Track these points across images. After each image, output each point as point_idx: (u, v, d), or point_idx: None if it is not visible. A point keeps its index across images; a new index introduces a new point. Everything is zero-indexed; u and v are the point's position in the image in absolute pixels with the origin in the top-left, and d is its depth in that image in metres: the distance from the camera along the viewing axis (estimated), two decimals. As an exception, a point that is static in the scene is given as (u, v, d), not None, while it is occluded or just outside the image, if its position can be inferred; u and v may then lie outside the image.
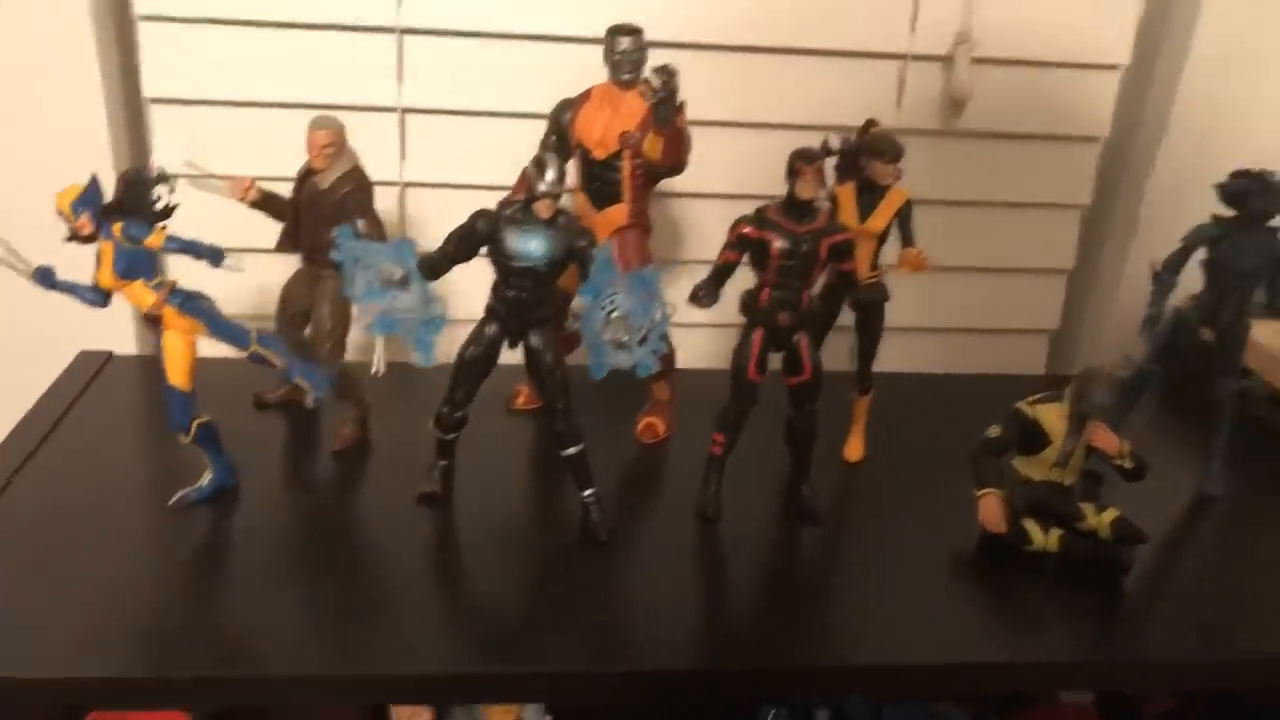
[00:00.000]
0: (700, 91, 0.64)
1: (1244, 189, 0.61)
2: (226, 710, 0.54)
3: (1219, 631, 0.57)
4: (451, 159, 0.75)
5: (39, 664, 0.47)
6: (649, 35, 0.61)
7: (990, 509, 0.58)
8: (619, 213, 0.63)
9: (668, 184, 0.67)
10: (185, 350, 0.54)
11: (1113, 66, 0.82)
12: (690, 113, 0.61)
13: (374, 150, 0.64)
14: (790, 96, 0.78)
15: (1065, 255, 0.88)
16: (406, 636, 0.50)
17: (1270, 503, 0.69)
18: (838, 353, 0.66)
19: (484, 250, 0.54)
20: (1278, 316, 0.63)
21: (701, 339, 0.81)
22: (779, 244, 0.56)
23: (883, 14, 0.78)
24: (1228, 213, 0.62)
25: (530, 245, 0.53)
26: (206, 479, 0.58)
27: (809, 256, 0.56)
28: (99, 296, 0.54)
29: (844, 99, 0.78)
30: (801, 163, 0.54)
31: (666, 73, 0.55)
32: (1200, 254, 0.64)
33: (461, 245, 0.53)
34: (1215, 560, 0.63)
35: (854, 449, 0.69)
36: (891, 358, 0.72)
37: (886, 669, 0.53)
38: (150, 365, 0.74)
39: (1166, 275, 0.65)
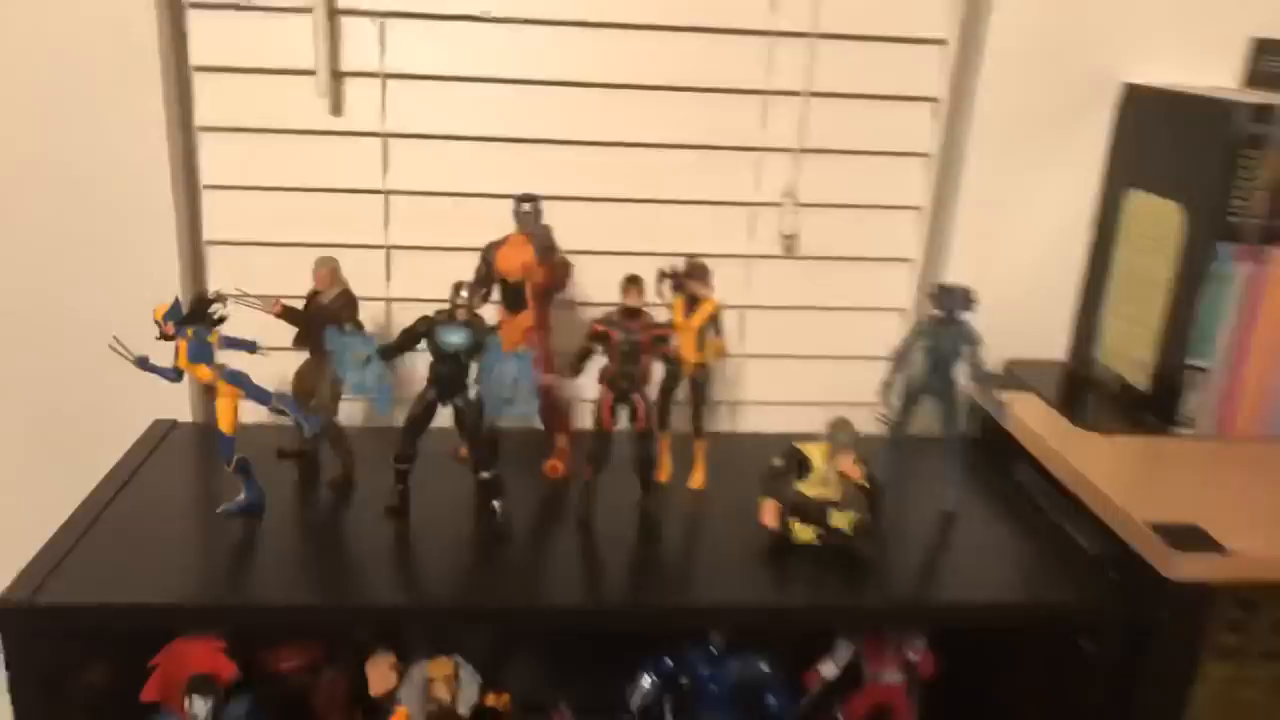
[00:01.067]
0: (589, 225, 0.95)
1: (939, 295, 0.90)
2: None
3: (936, 588, 0.84)
4: (420, 280, 1.05)
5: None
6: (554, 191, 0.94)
7: (766, 511, 0.86)
8: (525, 318, 0.93)
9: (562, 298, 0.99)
10: (230, 408, 0.83)
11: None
12: (576, 241, 0.92)
13: (366, 275, 0.95)
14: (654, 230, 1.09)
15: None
16: (372, 585, 0.78)
17: (986, 514, 0.96)
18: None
19: (423, 343, 0.84)
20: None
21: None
22: (617, 335, 0.85)
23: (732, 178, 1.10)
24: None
25: (453, 337, 0.83)
26: (242, 497, 0.87)
27: (637, 344, 0.85)
28: (176, 375, 0.83)
29: (700, 233, 1.10)
30: (628, 284, 0.84)
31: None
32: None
33: (408, 338, 0.83)
34: (941, 550, 0.91)
35: (696, 479, 0.97)
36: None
37: (714, 609, 0.81)
38: (202, 429, 1.05)
39: (899, 357, 0.93)
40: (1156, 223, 1.00)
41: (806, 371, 1.16)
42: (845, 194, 1.12)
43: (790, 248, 1.13)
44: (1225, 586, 0.80)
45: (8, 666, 0.74)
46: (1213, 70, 1.07)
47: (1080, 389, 1.10)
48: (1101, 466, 0.92)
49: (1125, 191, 1.06)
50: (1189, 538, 0.79)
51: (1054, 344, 1.17)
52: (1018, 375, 1.11)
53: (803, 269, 1.14)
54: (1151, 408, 1.01)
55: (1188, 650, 0.82)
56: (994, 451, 1.06)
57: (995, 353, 1.14)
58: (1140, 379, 1.03)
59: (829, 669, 1.05)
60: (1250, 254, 0.93)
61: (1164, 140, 1.01)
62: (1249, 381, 0.97)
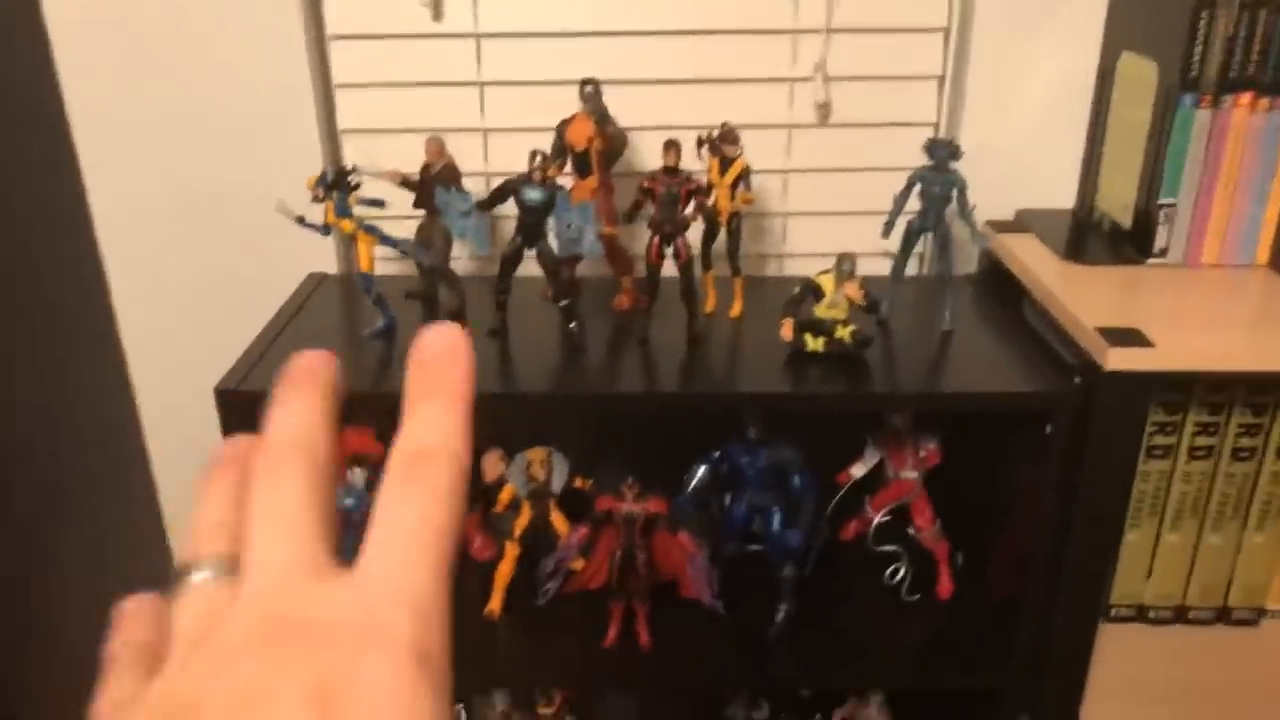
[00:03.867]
0: (643, 106, 1.17)
1: (931, 147, 1.08)
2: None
3: (922, 380, 1.05)
4: (510, 156, 1.29)
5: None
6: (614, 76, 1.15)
7: (784, 327, 1.08)
8: (591, 181, 1.16)
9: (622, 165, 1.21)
10: (368, 253, 1.09)
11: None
12: (634, 121, 1.14)
13: (467, 154, 1.20)
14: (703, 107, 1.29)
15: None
16: (483, 381, 1.04)
17: (980, 333, 1.15)
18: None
19: (510, 201, 1.08)
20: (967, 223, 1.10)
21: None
22: (660, 187, 1.07)
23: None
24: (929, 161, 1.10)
25: (532, 194, 1.06)
26: (380, 323, 1.13)
27: (676, 195, 1.07)
28: (325, 230, 1.09)
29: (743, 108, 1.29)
30: (667, 147, 1.06)
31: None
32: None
33: (497, 194, 1.07)
34: (935, 357, 1.11)
35: (735, 309, 1.19)
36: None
37: (744, 394, 1.04)
38: (346, 280, 1.32)
39: (898, 199, 1.12)
40: (1140, 79, 1.15)
41: (841, 226, 1.35)
42: (872, 68, 1.29)
43: (824, 117, 1.31)
44: (1155, 376, 0.98)
45: (225, 436, 1.03)
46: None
47: (1077, 230, 1.26)
48: (1077, 290, 1.09)
49: (1119, 54, 1.20)
50: (1125, 337, 0.97)
51: (1063, 195, 1.33)
52: (1023, 220, 1.28)
53: (836, 136, 1.32)
54: (1132, 242, 1.17)
55: (1126, 433, 1.01)
56: (997, 287, 1.24)
57: (1008, 202, 1.31)
58: (1125, 219, 1.19)
59: (857, 469, 1.28)
60: (1210, 102, 1.07)
61: (1147, 4, 1.15)
62: (1212, 216, 1.12)
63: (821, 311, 1.08)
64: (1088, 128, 1.28)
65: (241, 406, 1.01)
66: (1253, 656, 1.24)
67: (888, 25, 1.26)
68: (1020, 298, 1.18)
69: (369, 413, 1.13)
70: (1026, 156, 1.30)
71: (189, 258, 1.36)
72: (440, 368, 0.33)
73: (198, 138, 1.30)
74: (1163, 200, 1.12)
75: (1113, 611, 1.27)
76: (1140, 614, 1.28)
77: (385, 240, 1.08)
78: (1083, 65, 1.25)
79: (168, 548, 1.53)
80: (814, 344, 1.08)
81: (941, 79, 1.29)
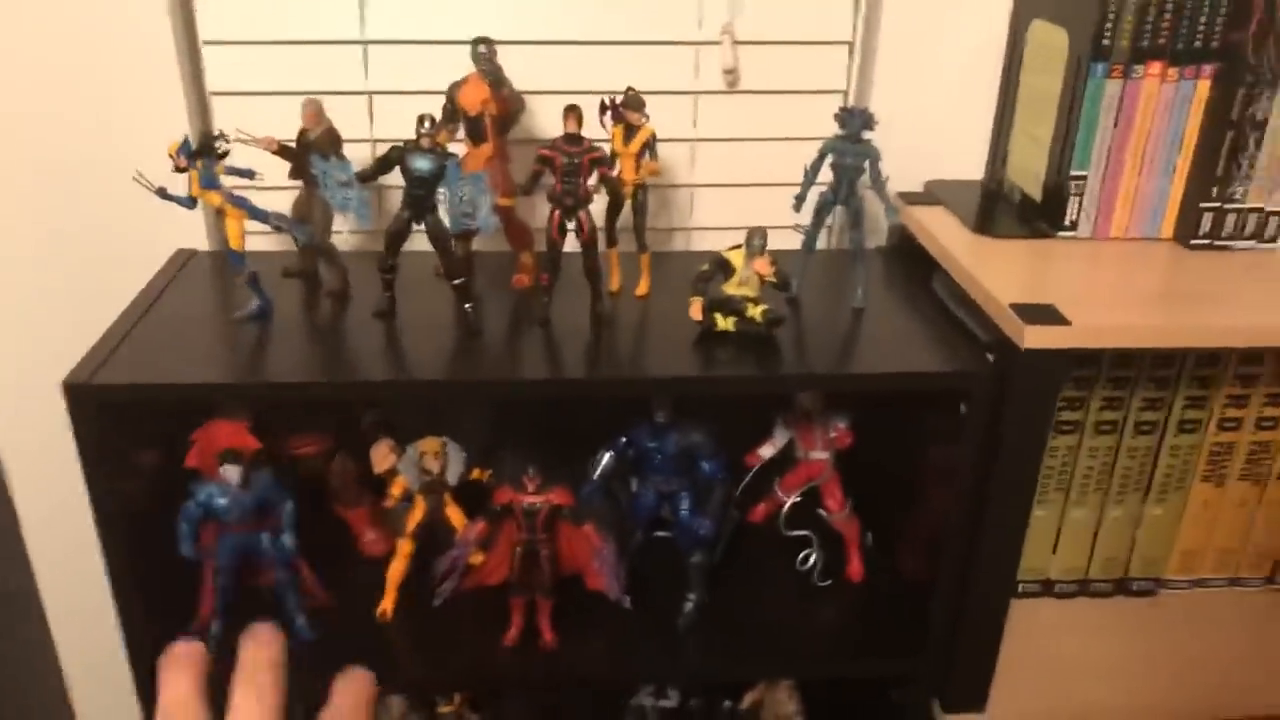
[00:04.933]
0: (542, 69, 1.09)
1: (844, 117, 1.04)
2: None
3: (836, 361, 1.01)
4: (396, 120, 1.19)
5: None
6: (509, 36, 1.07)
7: (693, 306, 1.02)
8: (486, 149, 1.07)
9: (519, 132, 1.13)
10: (238, 228, 0.98)
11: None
12: (532, 84, 1.06)
13: (350, 119, 1.10)
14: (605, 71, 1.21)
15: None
16: (367, 368, 0.96)
17: (893, 310, 1.11)
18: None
19: (398, 169, 0.99)
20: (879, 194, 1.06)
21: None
22: (560, 157, 1.00)
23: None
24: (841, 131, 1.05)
25: (420, 163, 0.97)
26: (253, 305, 1.03)
27: (578, 165, 1.00)
28: (190, 202, 0.98)
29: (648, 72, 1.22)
30: (568, 112, 0.98)
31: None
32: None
33: (381, 164, 0.98)
34: (848, 336, 1.07)
35: (642, 287, 1.13)
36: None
37: (651, 379, 0.98)
38: (218, 257, 1.21)
39: (810, 171, 1.07)
40: (1050, 47, 1.12)
41: (751, 198, 1.30)
42: (781, 32, 1.23)
43: (731, 84, 1.26)
44: (1070, 354, 0.95)
45: (77, 438, 0.92)
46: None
47: (987, 203, 1.24)
48: (989, 265, 1.07)
49: (1029, 21, 1.17)
50: (1041, 314, 0.95)
51: (973, 166, 1.30)
52: (933, 192, 1.25)
53: (744, 103, 1.27)
54: (1043, 215, 1.15)
55: (1040, 411, 0.99)
56: (907, 260, 1.21)
57: (917, 173, 1.28)
58: (1036, 191, 1.17)
59: (767, 450, 1.23)
60: (1121, 72, 1.05)
61: (1059, -29, 1.12)
62: (1122, 188, 1.11)
63: (731, 289, 1.03)
64: (997, 97, 1.25)
65: (95, 403, 0.91)
66: (1152, 626, 1.26)
67: (796, -13, 1.21)
68: (930, 271, 1.15)
69: (244, 405, 1.04)
70: (936, 126, 1.26)
71: (40, 235, 1.22)
72: (253, 668, 0.43)
73: (47, 99, 1.16)
74: (1074, 173, 1.10)
75: (1020, 587, 1.27)
76: (1046, 588, 1.29)
77: (256, 214, 0.98)
78: (993, 33, 1.23)
79: (22, 549, 1.40)
80: (724, 323, 1.03)
81: (851, 45, 1.25)
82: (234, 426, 1.04)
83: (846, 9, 1.23)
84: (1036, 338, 0.93)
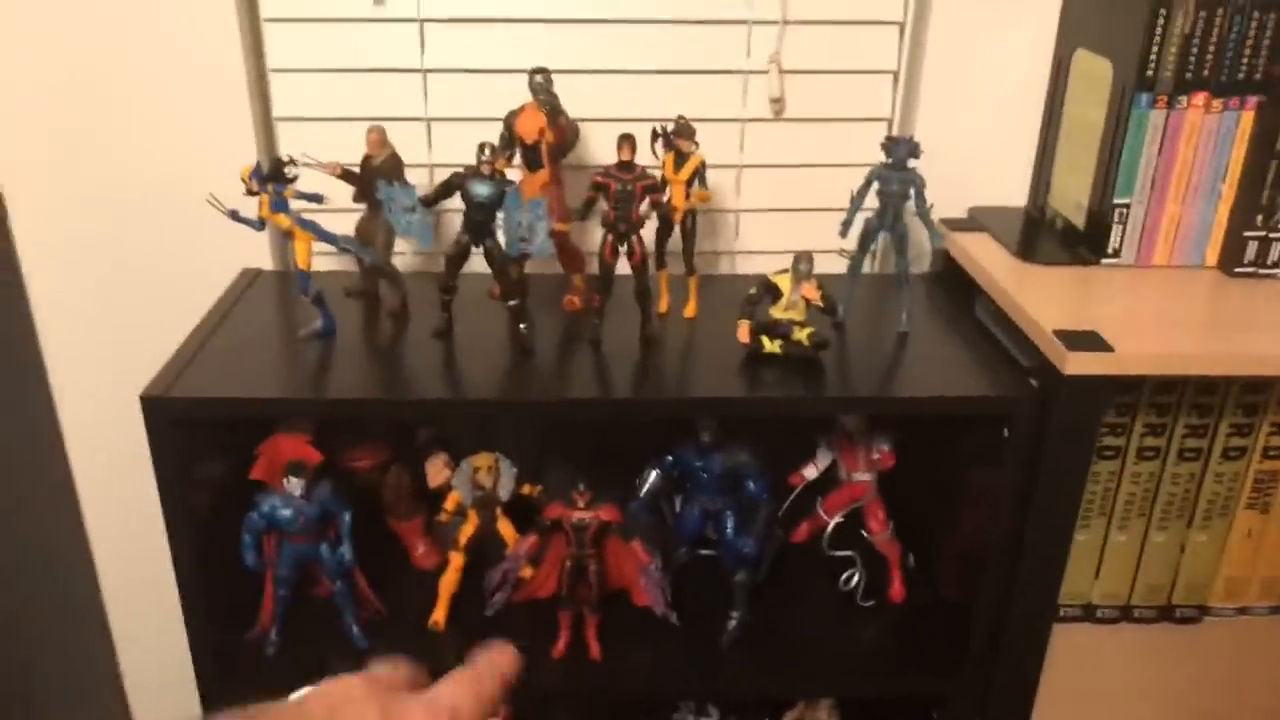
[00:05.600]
0: (596, 98, 1.14)
1: (890, 146, 1.06)
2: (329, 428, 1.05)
3: (881, 384, 1.03)
4: (455, 147, 1.24)
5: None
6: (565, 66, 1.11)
7: (740, 329, 1.05)
8: (541, 175, 1.11)
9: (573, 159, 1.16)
10: (305, 250, 1.03)
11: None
12: (586, 113, 1.10)
13: (410, 145, 1.15)
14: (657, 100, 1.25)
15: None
16: (425, 386, 1.00)
17: (937, 335, 1.13)
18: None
19: (457, 196, 1.03)
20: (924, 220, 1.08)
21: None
22: (614, 184, 1.03)
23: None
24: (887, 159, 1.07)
25: (480, 188, 1.01)
26: (318, 323, 1.08)
27: (631, 192, 1.03)
28: (260, 224, 1.03)
29: (697, 101, 1.25)
30: (622, 141, 1.02)
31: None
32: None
33: (444, 189, 1.02)
34: (892, 359, 1.09)
35: (690, 309, 1.16)
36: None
37: (698, 400, 1.00)
38: (283, 276, 1.26)
39: (856, 197, 1.10)
40: (1094, 77, 1.14)
41: (796, 223, 1.33)
42: (827, 62, 1.26)
43: (778, 111, 1.29)
44: (1112, 380, 0.97)
45: (152, 450, 0.97)
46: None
47: (1030, 230, 1.25)
48: (1032, 291, 1.08)
49: (1073, 51, 1.19)
50: (1084, 340, 0.96)
51: (1016, 192, 1.32)
52: (976, 219, 1.27)
53: (790, 131, 1.30)
54: (1085, 243, 1.16)
55: (1082, 436, 1.01)
56: (951, 286, 1.23)
57: (961, 200, 1.30)
58: (1079, 219, 1.18)
59: (810, 471, 1.25)
60: (1165, 102, 1.07)
61: (1103, 3, 1.14)
62: (1165, 217, 1.12)
63: (778, 312, 1.06)
64: (1040, 125, 1.27)
65: (170, 415, 0.95)
66: (1196, 654, 1.25)
67: (843, 18, 1.24)
68: (974, 297, 1.17)
69: (306, 419, 1.08)
70: (980, 153, 1.29)
71: (112, 255, 1.28)
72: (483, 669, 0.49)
73: (122, 124, 1.22)
74: (1117, 200, 1.12)
75: (1061, 612, 1.27)
76: (1088, 613, 1.29)
77: (323, 236, 1.03)
78: (1037, 63, 1.25)
79: (89, 556, 1.45)
80: (771, 346, 1.05)
81: (896, 74, 1.28)
82: (297, 439, 1.08)
83: (892, 39, 1.26)
84: (1080, 364, 0.95)
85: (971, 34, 1.23)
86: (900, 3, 1.24)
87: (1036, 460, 1.00)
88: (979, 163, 1.29)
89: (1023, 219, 1.28)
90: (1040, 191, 1.28)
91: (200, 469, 1.05)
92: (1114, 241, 1.13)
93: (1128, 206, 1.12)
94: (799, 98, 1.28)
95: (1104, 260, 1.15)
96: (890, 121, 1.30)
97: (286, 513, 1.04)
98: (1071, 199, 1.20)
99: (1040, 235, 1.24)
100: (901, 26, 1.25)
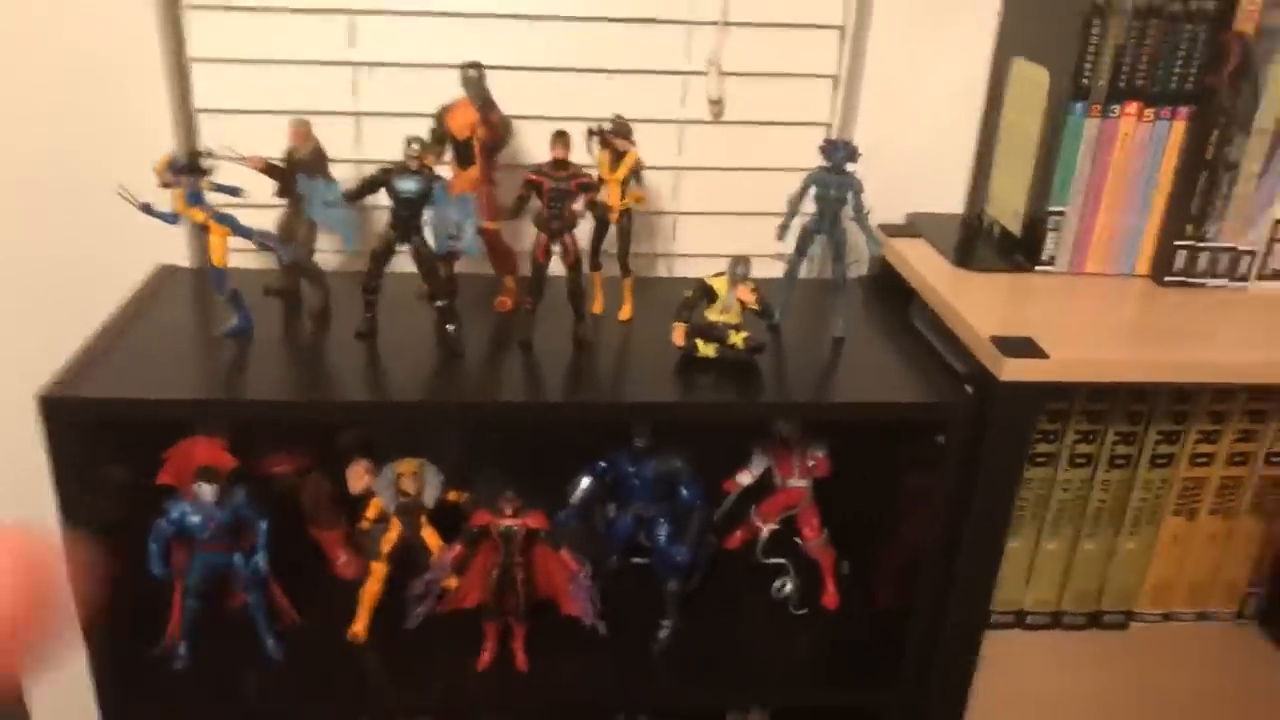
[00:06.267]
0: (530, 95, 1.10)
1: (828, 149, 1.05)
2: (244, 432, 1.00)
3: (817, 390, 1.01)
4: (384, 143, 1.20)
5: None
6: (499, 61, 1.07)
7: (676, 332, 1.02)
8: (473, 172, 1.08)
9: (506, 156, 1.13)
10: (221, 245, 0.98)
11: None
12: (520, 110, 1.07)
13: (338, 140, 1.10)
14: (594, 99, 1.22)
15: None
16: (346, 387, 0.96)
17: (872, 340, 1.12)
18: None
19: (385, 190, 0.99)
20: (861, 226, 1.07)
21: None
22: (548, 183, 1.00)
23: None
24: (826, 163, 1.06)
25: (407, 184, 0.97)
26: (233, 322, 1.03)
27: (565, 190, 1.00)
28: (174, 218, 0.98)
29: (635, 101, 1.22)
30: (556, 138, 0.99)
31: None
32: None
33: (368, 184, 0.98)
34: (828, 364, 1.07)
35: (625, 311, 1.13)
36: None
37: (632, 404, 0.98)
38: (199, 273, 1.21)
39: (794, 201, 1.08)
40: (1032, 86, 1.14)
41: (734, 226, 1.31)
42: (767, 64, 1.25)
43: (717, 114, 1.27)
44: (1047, 387, 0.96)
45: (50, 453, 0.91)
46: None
47: (967, 236, 1.25)
48: (968, 298, 1.08)
49: (1011, 59, 1.19)
50: (1020, 347, 0.96)
51: (954, 199, 1.32)
52: (914, 225, 1.27)
53: (729, 134, 1.28)
54: (1021, 250, 1.16)
55: (1016, 442, 1.00)
56: (887, 291, 1.22)
57: (899, 206, 1.29)
58: (1015, 226, 1.18)
59: (745, 477, 1.24)
60: (1099, 111, 1.07)
61: (1039, 14, 1.14)
62: (1099, 224, 1.13)
63: (714, 315, 1.04)
64: (979, 133, 1.27)
65: (70, 416, 0.90)
66: (1124, 659, 1.26)
67: (784, 21, 1.23)
68: (910, 303, 1.16)
69: (221, 423, 1.04)
70: (919, 160, 1.28)
71: (17, 247, 1.21)
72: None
73: (30, 112, 1.16)
74: (1052, 208, 1.12)
75: (993, 619, 1.28)
76: (1019, 620, 1.29)
77: (240, 231, 0.98)
78: (976, 70, 1.25)
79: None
80: (706, 349, 1.03)
81: (837, 78, 1.27)
82: (210, 444, 1.03)
83: (832, 43, 1.25)
84: (1015, 370, 0.94)
85: (912, 40, 1.22)
86: (841, 7, 1.23)
87: (972, 467, 1.00)
88: (917, 168, 1.28)
89: (960, 226, 1.28)
90: (978, 198, 1.28)
91: (104, 474, 1.00)
92: (1049, 249, 1.14)
93: (1062, 214, 1.12)
94: (738, 100, 1.26)
95: (1038, 267, 1.15)
96: (830, 126, 1.29)
97: (196, 519, 0.99)
98: (1009, 206, 1.20)
99: (977, 242, 1.24)
100: (842, 31, 1.24)
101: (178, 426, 1.05)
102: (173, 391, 0.93)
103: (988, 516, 1.03)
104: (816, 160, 1.07)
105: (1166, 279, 1.13)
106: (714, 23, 1.21)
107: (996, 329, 0.99)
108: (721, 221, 1.31)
